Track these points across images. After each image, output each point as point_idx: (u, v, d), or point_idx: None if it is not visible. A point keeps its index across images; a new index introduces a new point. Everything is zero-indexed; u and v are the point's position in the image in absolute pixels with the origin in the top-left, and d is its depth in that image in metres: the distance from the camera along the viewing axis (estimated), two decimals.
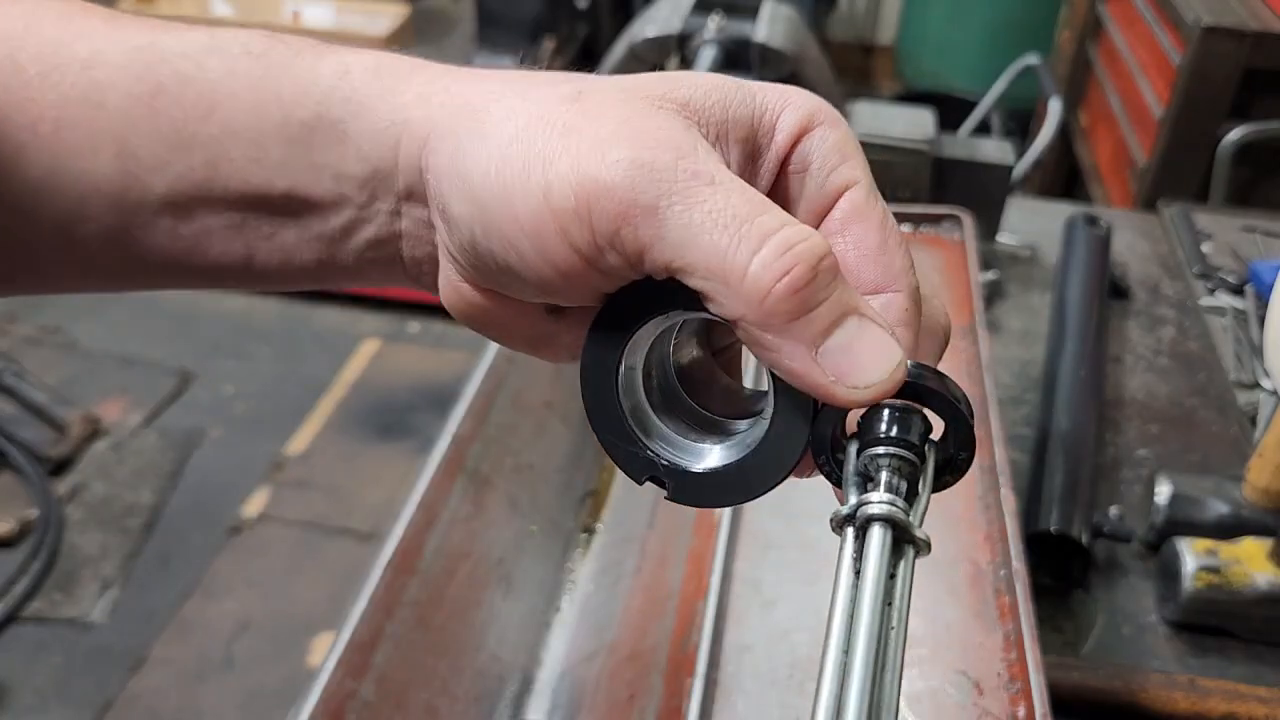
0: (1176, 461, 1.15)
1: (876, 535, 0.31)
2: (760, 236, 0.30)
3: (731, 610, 0.77)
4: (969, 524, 0.84)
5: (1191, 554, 0.94)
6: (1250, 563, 0.93)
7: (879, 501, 0.31)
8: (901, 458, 0.32)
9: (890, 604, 0.31)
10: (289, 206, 0.37)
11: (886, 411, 0.32)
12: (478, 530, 0.86)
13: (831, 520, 0.32)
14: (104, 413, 2.70)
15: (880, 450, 0.32)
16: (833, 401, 0.32)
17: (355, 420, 2.75)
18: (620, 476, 0.99)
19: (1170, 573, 0.96)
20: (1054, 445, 1.08)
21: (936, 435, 0.34)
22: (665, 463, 0.36)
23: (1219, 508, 1.00)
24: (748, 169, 0.35)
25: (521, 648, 0.84)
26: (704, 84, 0.35)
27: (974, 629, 0.76)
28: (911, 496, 0.32)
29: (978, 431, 0.89)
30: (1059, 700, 0.70)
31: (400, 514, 0.80)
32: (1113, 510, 1.04)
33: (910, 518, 0.32)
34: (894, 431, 0.32)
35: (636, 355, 0.36)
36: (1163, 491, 1.01)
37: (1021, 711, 0.70)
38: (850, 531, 0.32)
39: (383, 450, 2.65)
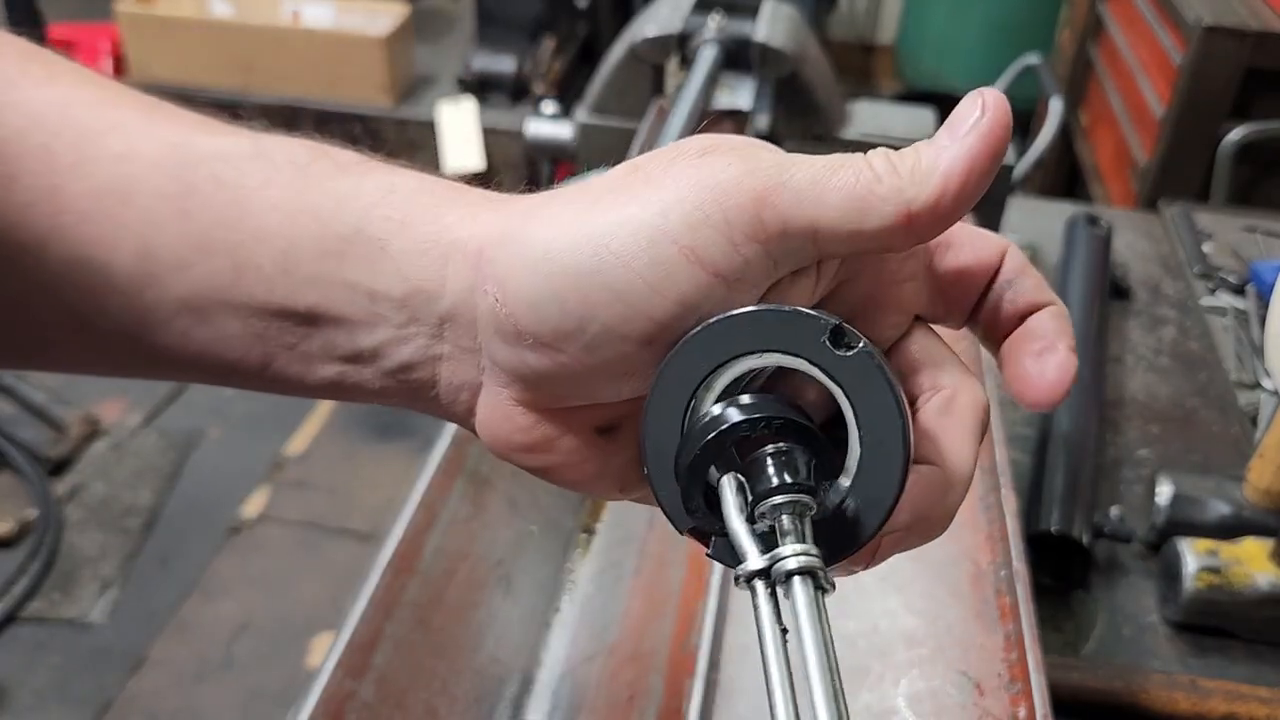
0: (1177, 462, 1.14)
1: (801, 591, 0.29)
2: (864, 158, 0.32)
3: (731, 610, 0.77)
4: (970, 524, 0.84)
5: (1192, 554, 0.94)
6: (1251, 563, 0.93)
7: (794, 555, 0.29)
8: (800, 502, 0.31)
9: (827, 651, 0.29)
10: (316, 322, 0.35)
11: (769, 459, 0.31)
12: (477, 530, 0.86)
13: (737, 577, 0.31)
14: (103, 413, 2.69)
15: (779, 499, 0.31)
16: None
17: (355, 420, 2.75)
18: None
19: (1171, 573, 0.95)
20: (1055, 445, 1.08)
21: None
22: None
23: (1220, 508, 1.00)
24: None
25: (521, 648, 0.84)
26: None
27: (975, 629, 0.76)
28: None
29: None
30: (1059, 701, 0.70)
31: (400, 514, 0.80)
32: (1113, 510, 1.04)
33: (826, 571, 0.30)
34: (785, 478, 0.31)
35: (707, 403, 0.33)
36: (1164, 492, 1.01)
37: (1022, 712, 0.69)
38: (761, 586, 0.30)
39: (382, 450, 2.65)
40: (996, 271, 0.37)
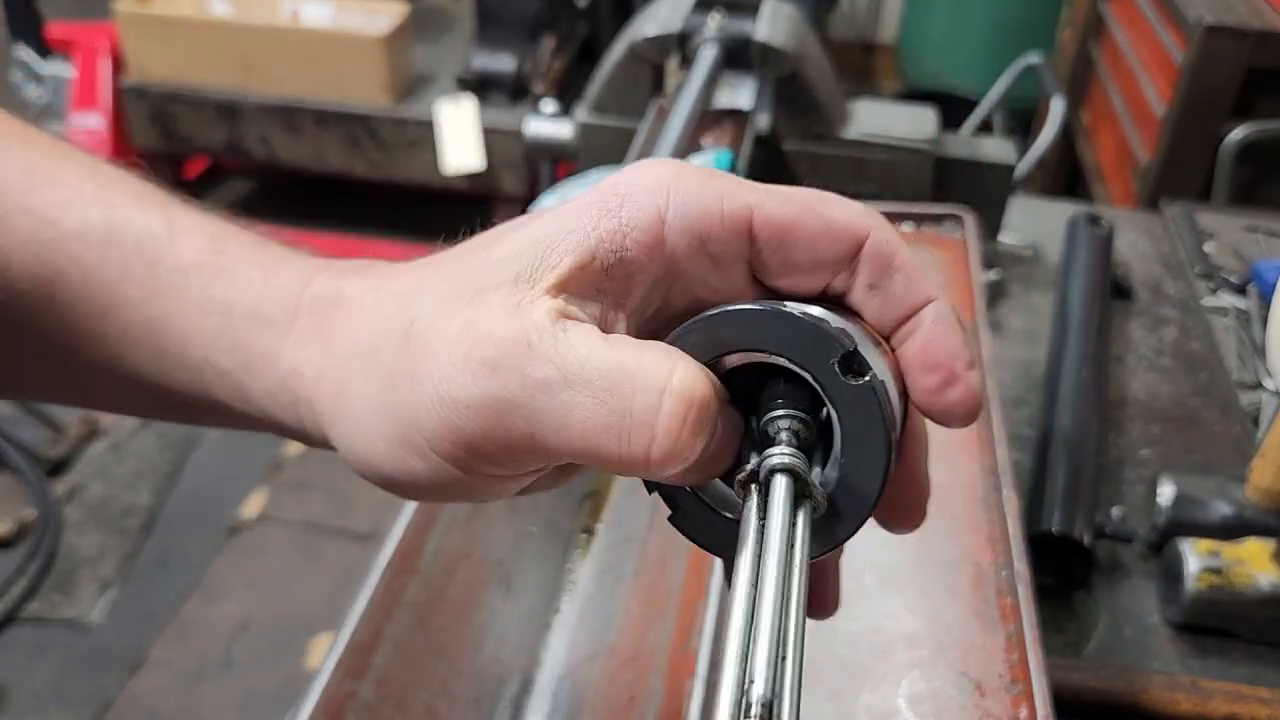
0: (1179, 462, 1.14)
1: (780, 484, 0.32)
2: (641, 420, 0.30)
3: None
4: (971, 525, 0.84)
5: (1194, 555, 0.93)
6: (1253, 563, 0.93)
7: (780, 454, 0.32)
8: (797, 418, 0.33)
9: (793, 546, 0.31)
10: (220, 408, 0.37)
11: (781, 383, 0.33)
12: (477, 531, 0.85)
13: (735, 482, 0.33)
14: (102, 413, 2.69)
15: (778, 413, 0.33)
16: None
17: None
18: (621, 477, 0.98)
19: (1173, 574, 0.95)
20: (1056, 446, 1.08)
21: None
22: (688, 486, 0.35)
23: (1222, 508, 0.99)
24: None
25: (521, 649, 0.84)
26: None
27: (975, 630, 0.76)
28: (811, 458, 0.33)
29: (981, 432, 0.89)
30: (1061, 701, 0.70)
31: (400, 514, 0.79)
32: (1115, 511, 1.04)
33: (809, 476, 0.32)
34: (791, 401, 0.33)
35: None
36: (1165, 492, 1.01)
37: (1023, 713, 0.69)
38: (754, 489, 0.33)
39: None
40: (854, 266, 0.34)
